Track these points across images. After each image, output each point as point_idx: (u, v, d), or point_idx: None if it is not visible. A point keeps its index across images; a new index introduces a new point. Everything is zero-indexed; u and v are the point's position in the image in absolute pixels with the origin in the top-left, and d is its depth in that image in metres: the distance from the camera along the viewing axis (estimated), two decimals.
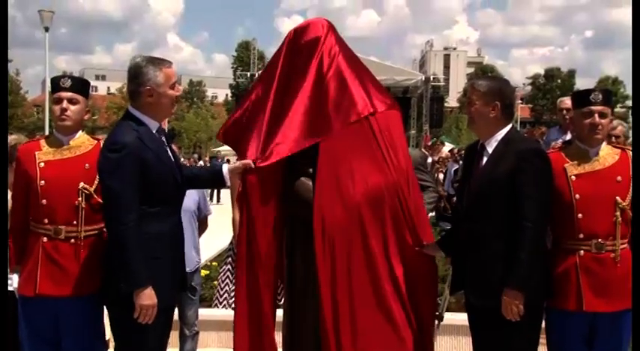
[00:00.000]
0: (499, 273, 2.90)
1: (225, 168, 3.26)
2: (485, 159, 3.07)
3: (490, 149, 3.05)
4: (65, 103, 3.12)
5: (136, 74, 2.89)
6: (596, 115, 3.03)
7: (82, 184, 3.09)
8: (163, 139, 3.03)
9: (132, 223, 2.71)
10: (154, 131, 2.95)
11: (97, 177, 3.06)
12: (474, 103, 3.11)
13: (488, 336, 3.03)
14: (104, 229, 3.15)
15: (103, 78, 77.11)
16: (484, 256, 2.98)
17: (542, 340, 3.16)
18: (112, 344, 4.77)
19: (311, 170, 3.17)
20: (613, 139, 3.89)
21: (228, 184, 3.30)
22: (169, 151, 3.04)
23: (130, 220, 2.71)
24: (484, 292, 2.99)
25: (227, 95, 59.13)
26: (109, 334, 4.62)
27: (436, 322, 3.64)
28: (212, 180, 3.37)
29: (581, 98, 3.11)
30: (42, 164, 3.10)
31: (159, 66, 2.90)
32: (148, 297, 2.77)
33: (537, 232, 2.88)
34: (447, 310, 4.33)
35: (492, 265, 2.94)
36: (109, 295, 2.96)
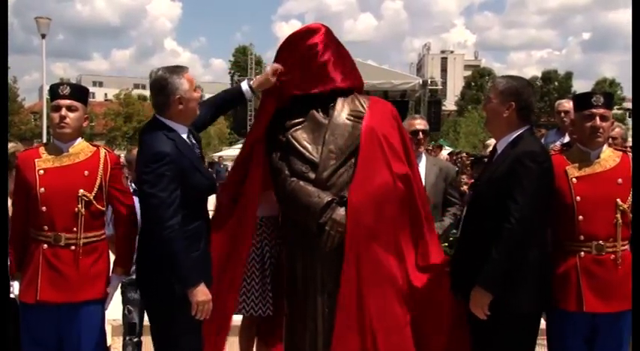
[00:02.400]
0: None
1: (244, 85, 3.40)
2: (494, 160, 3.08)
3: (500, 150, 3.06)
4: (64, 111, 3.13)
5: (162, 86, 2.96)
6: (598, 118, 3.04)
7: (81, 191, 3.10)
8: (193, 140, 3.12)
9: (177, 226, 2.81)
10: (185, 136, 3.04)
11: (97, 184, 3.14)
12: (490, 101, 3.10)
13: (482, 338, 3.03)
14: (103, 237, 3.22)
15: (100, 84, 77.09)
16: (473, 255, 3.00)
17: (542, 341, 3.17)
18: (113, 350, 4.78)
19: (312, 175, 3.17)
20: (610, 140, 3.90)
21: (248, 97, 3.45)
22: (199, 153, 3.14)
23: (174, 223, 2.81)
24: (469, 293, 2.99)
25: None
26: (110, 340, 4.63)
27: None
28: (233, 101, 3.50)
29: (583, 101, 3.12)
30: (41, 172, 3.10)
31: (180, 73, 2.98)
32: (202, 293, 2.87)
33: (517, 235, 2.82)
34: None
35: (478, 265, 2.93)
36: (157, 294, 3.01)
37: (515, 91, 3.01)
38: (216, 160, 27.43)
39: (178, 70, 3.01)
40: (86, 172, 3.14)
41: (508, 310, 2.87)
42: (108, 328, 4.32)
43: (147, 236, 3.03)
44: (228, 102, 3.51)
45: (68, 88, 3.17)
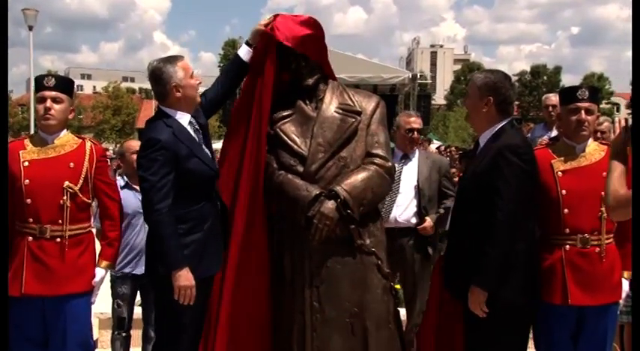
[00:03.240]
0: (472, 268, 2.88)
1: (242, 50, 3.41)
2: (477, 154, 3.08)
3: (482, 144, 3.06)
4: (49, 102, 3.12)
5: (157, 76, 3.02)
6: (583, 112, 3.05)
7: (66, 183, 3.09)
8: (197, 127, 3.12)
9: (165, 209, 2.85)
10: (187, 124, 3.06)
11: (83, 176, 3.14)
12: (469, 97, 3.10)
13: (475, 332, 3.01)
14: (89, 229, 3.22)
15: (89, 77, 76.71)
16: (462, 249, 3.00)
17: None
18: (100, 344, 4.76)
19: (301, 169, 3.17)
20: (599, 134, 3.92)
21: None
22: (203, 141, 3.14)
23: (162, 207, 2.85)
24: (460, 287, 2.98)
25: None
26: (97, 333, 4.61)
27: None
28: (238, 71, 3.45)
29: (568, 95, 3.13)
30: (26, 163, 3.09)
31: (174, 62, 3.04)
32: (184, 278, 2.87)
33: (506, 229, 2.80)
34: None
35: (467, 259, 2.93)
36: (151, 276, 3.10)
37: (492, 86, 3.00)
38: None
39: (172, 59, 3.07)
40: (71, 164, 3.13)
41: (498, 303, 2.85)
42: (95, 322, 4.30)
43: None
44: (235, 73, 3.44)
45: (53, 79, 3.17)
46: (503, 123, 3.02)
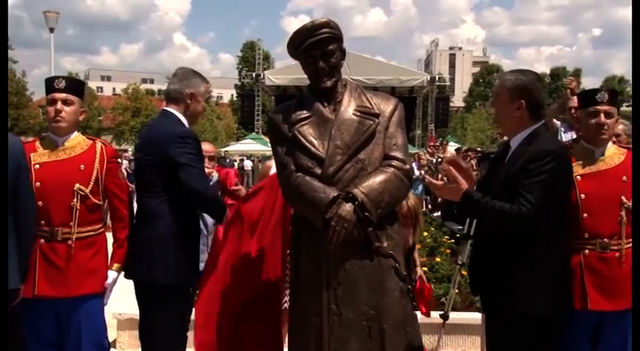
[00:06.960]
0: (512, 275, 2.78)
1: None
2: (508, 157, 2.93)
3: (514, 147, 2.91)
4: (59, 104, 3.13)
5: (184, 77, 3.28)
6: (602, 115, 3.00)
7: (77, 185, 3.10)
8: None
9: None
10: None
11: (93, 178, 3.16)
12: (498, 100, 2.94)
13: (503, 338, 2.92)
14: (101, 231, 3.24)
15: (109, 79, 77.40)
16: (490, 257, 2.90)
17: None
18: (118, 345, 4.78)
19: (318, 171, 3.17)
20: (613, 137, 3.85)
21: None
22: None
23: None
24: (499, 293, 2.87)
25: (232, 95, 59.19)
26: (115, 334, 4.63)
27: (442, 321, 3.60)
28: None
29: (588, 98, 3.09)
30: (37, 166, 3.10)
31: (203, 80, 3.36)
32: None
33: (524, 217, 2.63)
34: (453, 310, 4.33)
35: (507, 267, 2.81)
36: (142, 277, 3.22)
37: (524, 88, 2.83)
38: (223, 154, 27.50)
39: (203, 77, 3.36)
40: (82, 166, 3.14)
41: (523, 312, 2.76)
42: (113, 322, 4.34)
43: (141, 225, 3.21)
44: None
45: (63, 81, 3.16)
46: (536, 126, 2.85)
